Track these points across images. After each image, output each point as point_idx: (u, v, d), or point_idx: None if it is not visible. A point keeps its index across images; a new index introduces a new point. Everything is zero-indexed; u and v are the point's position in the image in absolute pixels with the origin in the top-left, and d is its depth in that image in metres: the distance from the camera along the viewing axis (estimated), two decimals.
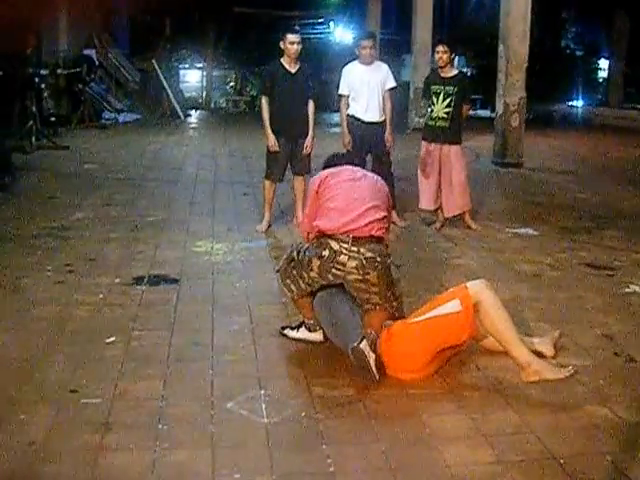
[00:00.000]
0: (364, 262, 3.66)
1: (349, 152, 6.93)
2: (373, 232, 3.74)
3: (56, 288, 5.00)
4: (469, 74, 18.18)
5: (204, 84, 22.18)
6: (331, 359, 3.93)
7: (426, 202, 6.86)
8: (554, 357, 4.00)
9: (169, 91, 17.42)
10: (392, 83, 6.85)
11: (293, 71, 6.53)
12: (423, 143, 6.81)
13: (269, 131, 6.58)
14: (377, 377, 3.63)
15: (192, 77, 22.88)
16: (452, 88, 6.53)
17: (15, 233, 6.39)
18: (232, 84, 23.48)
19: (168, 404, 3.44)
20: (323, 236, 3.77)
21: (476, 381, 3.75)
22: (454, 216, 6.90)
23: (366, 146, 6.86)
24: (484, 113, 19.72)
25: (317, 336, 4.07)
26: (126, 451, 3.04)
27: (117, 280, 5.20)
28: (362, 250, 3.67)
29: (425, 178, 6.79)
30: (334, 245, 3.71)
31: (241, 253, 6.05)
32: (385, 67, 6.90)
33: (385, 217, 3.87)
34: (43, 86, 12.56)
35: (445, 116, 6.57)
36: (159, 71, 17.40)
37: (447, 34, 16.24)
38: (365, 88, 6.74)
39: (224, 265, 5.70)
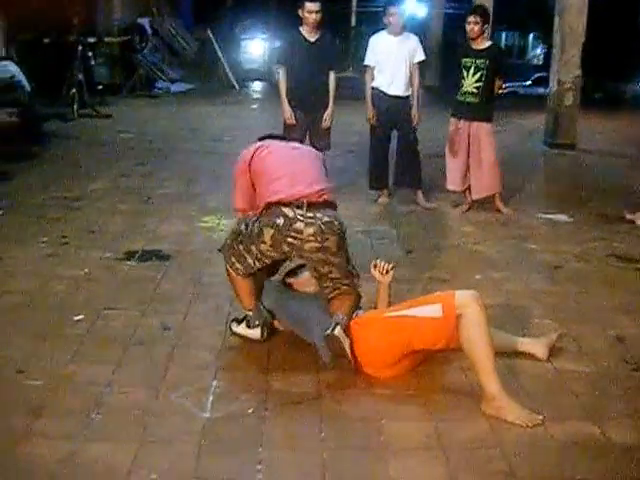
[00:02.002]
0: (322, 227, 3.37)
1: (373, 127, 6.57)
2: (326, 197, 3.50)
3: (43, 261, 4.86)
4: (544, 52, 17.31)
5: (266, 56, 21.89)
6: (301, 351, 3.62)
7: (453, 183, 6.44)
8: (548, 360, 3.60)
9: (224, 61, 17.24)
10: (421, 56, 6.42)
11: (312, 40, 6.19)
12: (452, 120, 6.38)
13: (285, 103, 6.28)
14: (353, 362, 3.36)
15: (254, 48, 22.60)
16: (483, 61, 6.06)
17: (25, 202, 6.30)
18: None
19: (111, 391, 3.22)
20: (275, 205, 3.46)
21: (455, 384, 3.39)
22: (484, 198, 6.46)
23: (391, 121, 6.48)
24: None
25: (255, 333, 3.68)
26: (49, 439, 2.85)
27: (108, 254, 5.02)
28: (318, 215, 3.40)
29: (453, 157, 6.37)
30: (289, 212, 3.40)
31: None
32: (415, 39, 6.47)
33: (331, 185, 3.66)
34: (91, 54, 12.49)
35: (475, 91, 6.12)
36: (214, 41, 17.22)
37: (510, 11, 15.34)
38: (391, 59, 6.35)
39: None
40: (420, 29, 17.05)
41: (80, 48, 11.49)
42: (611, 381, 3.46)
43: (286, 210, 3.40)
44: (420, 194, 6.66)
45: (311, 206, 3.41)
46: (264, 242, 3.44)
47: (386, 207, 6.57)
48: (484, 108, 6.16)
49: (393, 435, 2.97)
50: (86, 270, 4.70)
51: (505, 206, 6.43)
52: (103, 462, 2.71)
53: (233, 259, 3.58)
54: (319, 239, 3.38)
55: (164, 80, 16.49)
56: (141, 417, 3.01)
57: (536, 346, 3.63)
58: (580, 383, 3.42)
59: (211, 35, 17.37)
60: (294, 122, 6.28)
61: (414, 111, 6.43)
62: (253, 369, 3.48)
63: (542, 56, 27.03)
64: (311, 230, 3.38)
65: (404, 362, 3.37)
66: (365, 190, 6.90)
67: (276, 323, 3.81)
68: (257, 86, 19.47)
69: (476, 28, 5.99)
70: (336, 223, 3.42)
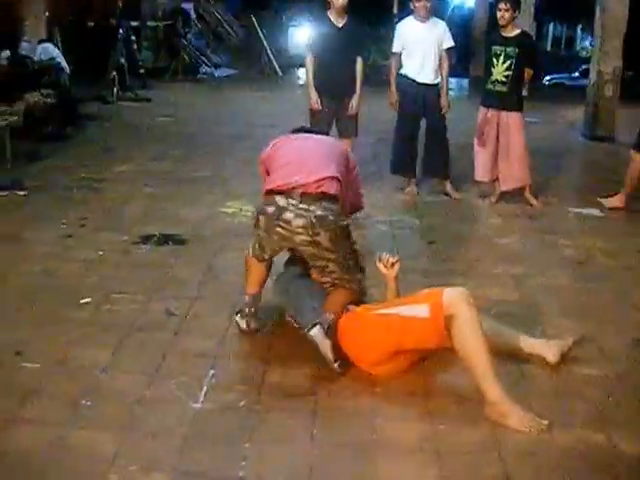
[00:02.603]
0: (313, 220, 3.23)
1: (401, 114, 6.41)
2: (324, 189, 3.31)
3: (59, 242, 4.85)
4: None
5: None
6: (304, 345, 3.47)
7: (481, 173, 6.26)
8: (561, 362, 3.43)
9: (267, 48, 17.18)
10: (449, 42, 6.23)
11: (340, 25, 6.05)
12: (481, 109, 6.18)
13: (311, 88, 6.17)
14: (334, 364, 3.22)
15: (300, 35, 22.48)
16: (513, 49, 5.85)
17: (52, 183, 6.32)
18: None
19: (105, 377, 3.18)
20: (270, 193, 3.38)
21: (458, 385, 3.22)
22: (515, 190, 6.26)
23: (419, 109, 6.31)
24: None
25: (241, 323, 3.60)
26: (35, 424, 2.81)
27: (124, 237, 4.99)
28: (312, 208, 3.25)
29: (481, 147, 6.18)
30: (280, 201, 3.30)
31: None
32: (442, 25, 6.29)
33: (337, 177, 3.39)
34: (134, 38, 12.54)
35: (504, 80, 5.92)
36: (258, 27, 17.16)
37: None
38: (420, 46, 6.18)
39: (244, 228, 5.31)
40: (466, 19, 16.72)
41: (122, 32, 11.52)
42: (627, 387, 3.29)
43: (278, 198, 3.31)
44: (448, 184, 6.48)
45: (306, 197, 3.29)
46: (259, 228, 3.39)
47: (412, 197, 6.41)
48: (514, 97, 5.96)
49: (387, 436, 2.85)
50: (100, 253, 4.68)
51: (535, 198, 6.21)
52: (86, 451, 2.67)
53: (251, 242, 3.56)
54: (310, 233, 3.26)
55: (208, 65, 16.51)
56: (131, 405, 2.96)
57: (547, 348, 3.43)
58: (593, 388, 3.25)
59: (255, 21, 17.32)
60: (319, 108, 6.16)
61: (443, 99, 6.26)
62: (253, 360, 3.41)
63: (590, 48, 26.33)
64: (300, 222, 3.25)
65: (398, 360, 3.23)
66: (393, 179, 6.75)
67: (287, 317, 3.72)
68: (301, 73, 19.35)
69: (506, 15, 5.78)
70: (330, 218, 3.25)
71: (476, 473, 2.64)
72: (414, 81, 6.23)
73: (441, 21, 6.35)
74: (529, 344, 3.45)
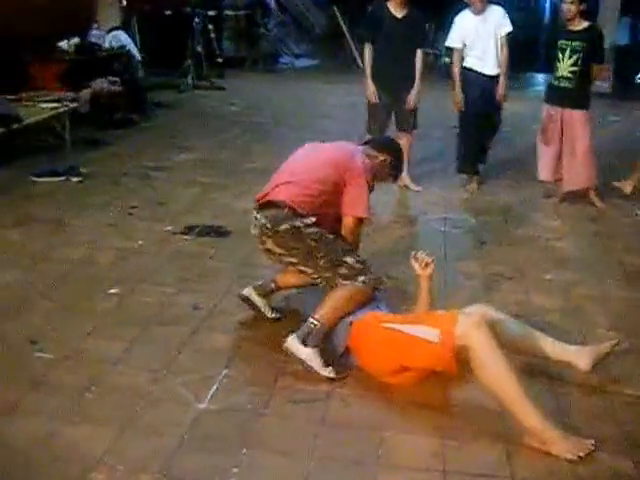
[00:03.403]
0: (261, 229, 3.34)
1: (466, 111, 6.13)
2: (270, 197, 3.36)
3: (102, 230, 4.86)
4: None
5: None
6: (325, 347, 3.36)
7: (544, 172, 5.91)
8: (589, 373, 3.15)
9: (349, 39, 16.97)
10: (508, 27, 5.89)
11: (399, 16, 5.82)
12: (545, 106, 5.83)
13: (369, 81, 5.98)
14: (325, 372, 3.11)
15: None
16: (580, 44, 5.48)
17: (109, 170, 6.36)
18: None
19: (114, 371, 3.13)
20: None
21: (479, 398, 2.98)
22: (580, 190, 5.90)
23: (484, 103, 6.04)
24: None
25: (260, 304, 3.65)
26: (34, 415, 2.79)
27: (168, 227, 4.95)
28: (259, 216, 3.36)
29: (545, 145, 5.84)
30: (254, 212, 3.46)
31: None
32: (499, 11, 5.94)
33: (293, 181, 3.37)
34: (211, 27, 12.57)
35: (570, 76, 5.56)
36: (340, 18, 16.95)
37: None
38: (479, 40, 5.92)
39: None
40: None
41: (198, 20, 11.57)
42: None
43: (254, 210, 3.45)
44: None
45: (259, 206, 3.39)
46: None
47: (472, 194, 6.14)
48: (579, 94, 5.59)
49: (393, 450, 2.69)
50: (140, 242, 4.65)
51: (602, 200, 5.84)
52: (77, 446, 2.62)
53: None
54: (261, 241, 3.38)
55: (289, 55, 16.43)
56: (133, 401, 2.90)
57: (579, 355, 3.14)
58: (629, 410, 2.99)
59: (337, 12, 17.12)
60: (377, 101, 5.97)
61: (501, 89, 5.99)
62: (269, 361, 3.27)
63: None
64: (256, 232, 3.39)
65: (405, 375, 3.05)
66: (454, 175, 6.50)
67: None
68: None
69: (572, 8, 5.41)
70: (268, 226, 3.29)
71: None
72: (479, 73, 5.96)
73: (497, 7, 6.00)
74: (559, 350, 3.17)
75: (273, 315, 3.64)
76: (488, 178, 6.49)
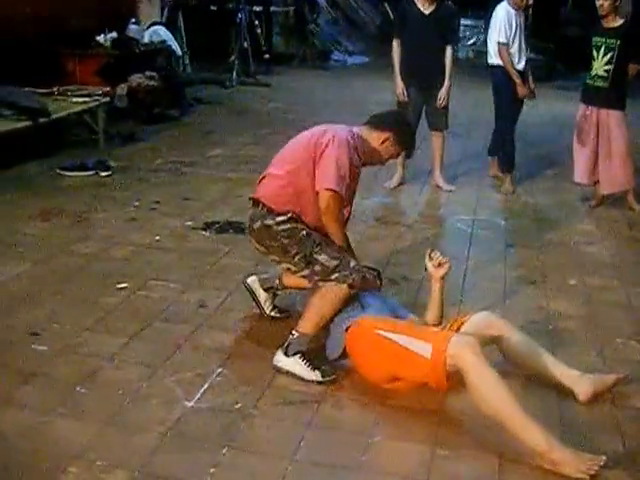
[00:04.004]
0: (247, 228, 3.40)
1: (505, 106, 6.01)
2: (255, 194, 3.36)
3: (122, 225, 4.86)
4: None
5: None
6: (323, 348, 3.27)
7: (580, 174, 5.70)
8: (610, 396, 3.01)
9: None
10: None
11: (427, 12, 5.69)
12: (580, 105, 5.64)
13: (398, 79, 5.88)
14: (312, 377, 3.04)
15: None
16: (615, 41, 5.26)
17: (139, 164, 6.37)
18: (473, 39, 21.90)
19: (109, 366, 3.11)
20: None
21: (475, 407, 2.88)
22: (618, 193, 5.69)
23: (515, 99, 5.94)
24: None
25: (262, 297, 3.62)
26: (23, 408, 2.79)
27: (188, 223, 4.94)
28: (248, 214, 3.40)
29: (580, 146, 5.64)
30: None
31: None
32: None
33: (268, 174, 3.37)
34: (257, 22, 12.58)
35: (605, 75, 5.35)
36: (391, 14, 16.79)
37: None
38: (517, 36, 5.80)
39: None
40: None
41: (243, 16, 11.58)
42: None
43: None
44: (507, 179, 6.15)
45: (252, 204, 3.40)
46: None
47: (506, 196, 5.97)
48: (615, 94, 5.36)
49: (379, 457, 2.61)
50: (157, 238, 4.65)
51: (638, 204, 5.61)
52: (58, 440, 2.60)
53: None
54: (250, 239, 3.43)
55: (341, 52, 16.34)
56: (123, 398, 2.87)
57: (581, 383, 2.97)
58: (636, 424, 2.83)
59: (389, 9, 16.96)
60: (406, 99, 5.86)
61: (531, 84, 5.97)
62: (267, 360, 3.19)
63: None
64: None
65: (400, 382, 2.95)
66: (489, 176, 6.38)
67: None
68: None
69: (606, 4, 5.19)
70: (247, 224, 3.37)
71: None
72: (516, 70, 5.85)
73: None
74: (562, 373, 3.01)
75: (272, 313, 3.59)
76: (525, 180, 6.32)
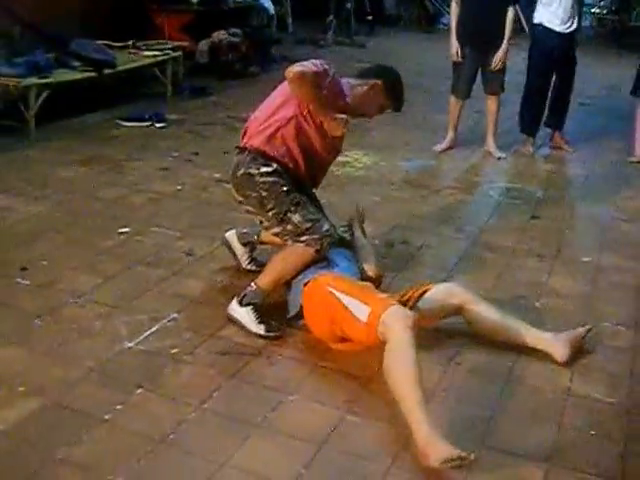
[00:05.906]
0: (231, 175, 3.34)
1: (534, 67, 5.83)
2: (241, 142, 3.35)
3: (151, 174, 5.02)
4: None
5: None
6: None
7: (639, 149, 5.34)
8: (566, 365, 2.91)
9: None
10: None
11: None
12: None
13: (453, 38, 5.71)
14: (258, 329, 3.07)
15: None
16: None
17: (194, 119, 6.49)
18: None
19: (73, 303, 3.24)
20: None
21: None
22: None
23: (553, 63, 5.75)
24: None
25: (239, 251, 3.67)
26: None
27: (217, 175, 5.02)
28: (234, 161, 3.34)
29: None
30: None
31: (381, 171, 5.42)
32: None
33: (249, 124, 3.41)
34: None
35: None
36: None
37: None
38: None
39: (344, 179, 5.14)
40: None
41: None
42: (632, 420, 2.65)
43: None
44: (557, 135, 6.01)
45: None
46: None
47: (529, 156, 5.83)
48: None
49: (285, 415, 2.59)
50: (179, 187, 4.77)
51: None
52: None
53: None
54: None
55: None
56: (71, 333, 3.00)
57: (555, 344, 2.94)
58: (588, 416, 2.66)
59: None
60: (460, 60, 5.66)
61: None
62: (224, 310, 3.20)
63: None
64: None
65: (347, 343, 2.91)
66: (539, 146, 6.10)
67: None
68: None
69: None
70: (231, 171, 3.32)
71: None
72: (553, 31, 5.58)
73: None
74: (535, 337, 2.99)
75: (249, 267, 3.62)
76: (581, 149, 6.01)
